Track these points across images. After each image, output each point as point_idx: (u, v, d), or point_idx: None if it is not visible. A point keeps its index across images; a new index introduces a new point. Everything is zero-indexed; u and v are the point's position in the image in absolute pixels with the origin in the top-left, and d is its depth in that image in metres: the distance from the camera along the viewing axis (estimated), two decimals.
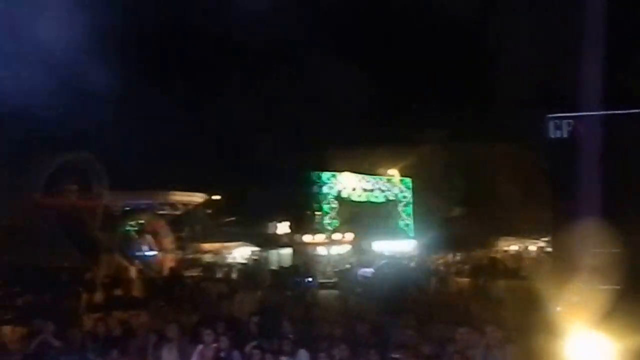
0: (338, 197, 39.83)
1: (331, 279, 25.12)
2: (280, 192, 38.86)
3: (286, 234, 38.99)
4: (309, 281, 20.77)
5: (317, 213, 39.17)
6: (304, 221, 38.52)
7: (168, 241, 32.41)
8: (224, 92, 36.58)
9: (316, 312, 14.36)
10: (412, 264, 29.87)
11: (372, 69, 37.80)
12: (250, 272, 27.17)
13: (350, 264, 26.93)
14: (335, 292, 21.83)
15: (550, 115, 8.39)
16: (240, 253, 37.17)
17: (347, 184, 40.48)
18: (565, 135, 8.31)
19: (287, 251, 35.82)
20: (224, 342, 10.02)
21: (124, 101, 33.19)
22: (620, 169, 8.83)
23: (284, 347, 10.02)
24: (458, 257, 35.58)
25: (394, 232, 42.12)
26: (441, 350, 10.45)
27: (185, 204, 37.23)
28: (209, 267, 30.11)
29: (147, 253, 32.62)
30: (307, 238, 35.83)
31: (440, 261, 34.65)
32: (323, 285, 24.27)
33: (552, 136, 8.37)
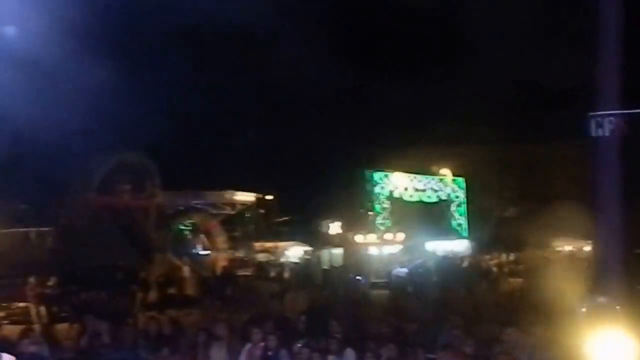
0: (390, 197, 39.63)
1: (382, 278, 25.00)
2: (333, 192, 38.91)
3: (338, 234, 38.99)
4: (359, 280, 20.68)
5: (369, 213, 39.06)
6: (355, 221, 38.44)
7: (221, 240, 32.74)
8: (278, 92, 36.89)
9: (365, 311, 14.34)
10: (464, 264, 29.44)
11: (425, 70, 37.64)
12: (302, 271, 27.25)
13: (400, 263, 26.73)
14: (385, 291, 21.74)
15: (592, 113, 8.08)
16: (293, 252, 37.33)
17: (399, 184, 40.24)
18: (607, 134, 7.99)
19: (338, 251, 35.79)
20: (272, 340, 10.09)
21: (180, 102, 33.85)
22: None
23: (331, 346, 10.02)
24: (512, 257, 34.95)
25: (447, 232, 41.69)
26: (487, 351, 10.32)
27: (238, 204, 37.55)
28: (262, 267, 30.30)
29: (200, 252, 33.05)
30: (359, 238, 35.75)
31: (494, 261, 34.08)
32: (374, 285, 24.19)
33: (594, 134, 8.06)
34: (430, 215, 40.79)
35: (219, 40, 31.24)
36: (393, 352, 10.09)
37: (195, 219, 33.71)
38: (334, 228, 39.59)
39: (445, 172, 43.09)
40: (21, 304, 21.81)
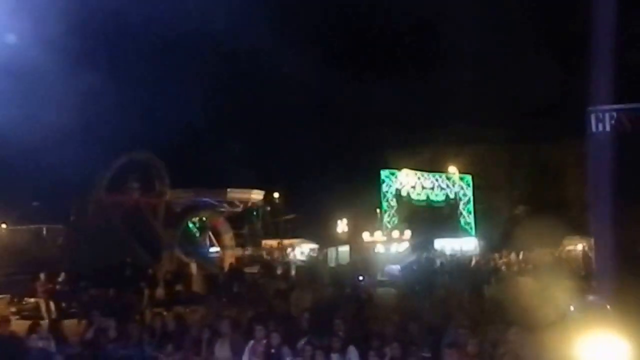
0: (397, 195, 39.57)
1: (397, 278, 24.97)
2: (340, 190, 38.94)
3: (345, 232, 39.04)
4: (361, 279, 20.72)
5: (376, 211, 39.03)
6: (363, 219, 38.45)
7: (228, 238, 32.82)
8: (288, 92, 36.98)
9: (370, 310, 14.34)
10: (472, 263, 29.35)
11: (435, 70, 37.63)
12: (309, 269, 27.29)
13: (416, 263, 26.72)
14: (392, 290, 21.72)
15: (592, 108, 8.03)
16: (300, 250, 37.39)
17: (406, 181, 40.15)
18: (608, 129, 7.95)
19: (345, 249, 35.82)
20: (275, 338, 10.13)
21: (189, 103, 34.01)
22: None
23: (334, 344, 10.05)
24: (521, 257, 34.78)
25: (455, 230, 41.58)
26: (493, 351, 10.30)
27: (246, 202, 37.67)
28: (268, 264, 30.35)
29: (207, 250, 33.19)
30: (365, 236, 35.73)
31: (502, 260, 33.93)
32: (381, 283, 24.16)
33: (594, 130, 8.03)
34: (438, 214, 40.75)
35: (232, 43, 31.38)
36: (397, 350, 10.08)
37: (203, 216, 33.83)
38: (341, 226, 39.64)
39: (453, 170, 42.96)
40: (32, 300, 22.04)
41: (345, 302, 14.73)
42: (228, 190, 36.02)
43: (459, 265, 26.39)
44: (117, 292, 20.46)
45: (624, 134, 8.08)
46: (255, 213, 39.23)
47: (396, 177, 39.69)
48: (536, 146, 42.89)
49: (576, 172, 35.58)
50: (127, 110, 25.02)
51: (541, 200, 40.68)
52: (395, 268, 25.35)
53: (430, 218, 38.82)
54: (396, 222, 38.40)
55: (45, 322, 14.53)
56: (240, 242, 35.16)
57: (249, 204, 37.88)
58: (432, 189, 41.80)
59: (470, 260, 29.88)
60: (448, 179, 42.82)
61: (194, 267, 27.61)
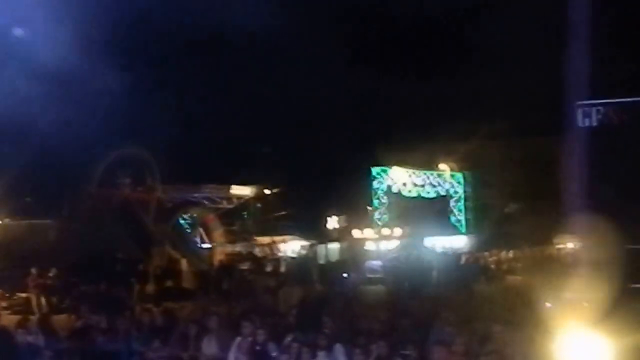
0: (388, 192, 39.64)
1: (378, 274, 25.08)
2: (332, 187, 38.96)
3: (336, 229, 39.07)
4: (345, 276, 20.82)
5: (367, 208, 39.10)
6: (353, 216, 38.52)
7: (219, 234, 32.89)
8: (276, 88, 36.98)
9: (357, 307, 14.40)
10: (462, 261, 29.52)
11: (425, 66, 37.68)
12: (299, 266, 27.35)
13: (397, 259, 26.83)
14: (381, 287, 21.82)
15: (579, 103, 8.05)
16: (291, 247, 37.44)
17: (397, 178, 40.22)
18: (595, 124, 7.98)
19: (335, 246, 35.91)
20: (261, 335, 10.18)
21: (179, 97, 33.98)
22: None
23: (319, 341, 10.11)
24: (511, 254, 34.96)
25: (446, 228, 41.71)
26: (479, 348, 10.37)
27: (236, 198, 37.70)
28: (259, 261, 30.43)
29: (198, 246, 33.24)
30: (356, 233, 35.83)
31: (492, 258, 34.10)
32: (370, 280, 24.25)
33: (581, 125, 8.06)
34: (429, 211, 40.80)
35: (225, 40, 31.34)
36: (383, 348, 10.12)
37: (194, 212, 33.86)
38: (332, 223, 39.68)
39: (444, 167, 43.03)
40: (23, 295, 22.07)
41: (333, 299, 14.79)
42: (219, 186, 36.04)
43: (448, 263, 26.51)
44: (107, 287, 20.54)
45: (611, 128, 8.13)
46: (246, 209, 39.25)
47: (387, 175, 39.75)
48: (528, 142, 42.90)
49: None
50: (118, 107, 25.00)
51: (534, 197, 40.71)
52: (377, 264, 25.45)
53: (421, 215, 38.90)
54: (387, 219, 38.48)
55: (35, 317, 14.59)
56: (231, 239, 35.18)
57: (240, 201, 37.92)
58: (423, 186, 41.90)
59: (460, 258, 30.05)
60: (439, 176, 42.92)
61: (184, 263, 27.67)
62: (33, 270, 22.30)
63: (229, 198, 36.99)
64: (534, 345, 10.20)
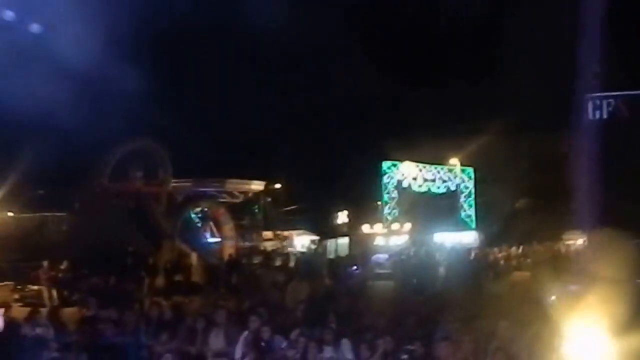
0: (398, 187, 39.51)
1: (387, 269, 25.08)
2: (341, 181, 38.94)
3: (345, 223, 39.06)
4: (354, 270, 20.84)
5: (377, 203, 39.02)
6: (363, 211, 38.46)
7: (229, 228, 32.93)
8: (286, 83, 37.00)
9: (364, 302, 14.44)
10: (471, 257, 29.43)
11: (436, 62, 37.57)
12: (308, 261, 27.39)
13: (406, 254, 26.79)
14: (389, 282, 21.81)
15: (590, 95, 8.01)
16: (300, 241, 37.48)
17: (408, 173, 40.06)
18: (605, 116, 7.94)
19: (345, 241, 35.88)
20: (266, 329, 10.26)
21: (190, 92, 34.08)
22: None
23: (326, 336, 10.17)
24: (520, 250, 34.82)
25: (456, 223, 41.58)
26: (485, 345, 10.38)
27: (246, 192, 37.78)
28: (268, 255, 30.49)
29: (208, 240, 33.34)
30: (365, 228, 35.78)
31: (502, 254, 33.99)
32: (378, 276, 24.26)
33: (591, 117, 8.02)
34: (439, 206, 40.62)
35: (238, 33, 31.42)
36: (389, 344, 10.17)
37: (204, 206, 33.94)
38: (342, 217, 39.65)
39: (455, 162, 42.85)
40: (35, 287, 22.25)
41: (340, 294, 14.84)
42: (229, 180, 36.11)
43: (457, 259, 26.46)
44: (117, 281, 20.69)
45: (622, 120, 8.11)
46: (256, 204, 39.31)
47: (398, 169, 39.60)
48: (538, 137, 42.65)
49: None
50: (132, 98, 25.11)
51: (543, 193, 40.50)
52: (383, 257, 25.45)
53: (431, 211, 38.79)
54: (397, 214, 38.38)
55: (45, 310, 14.71)
56: (241, 233, 35.24)
57: (250, 195, 38.00)
58: (434, 181, 41.72)
59: (469, 254, 29.97)
60: (450, 171, 42.75)
61: (194, 257, 27.75)
62: (44, 263, 22.49)
63: (239, 192, 37.08)
64: (540, 342, 10.22)
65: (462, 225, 41.87)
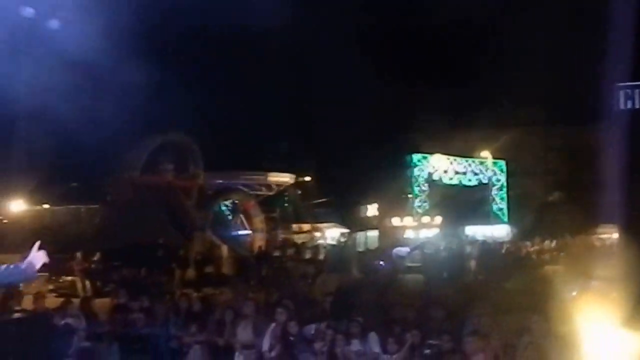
0: (429, 180, 39.26)
1: (417, 262, 24.94)
2: (372, 174, 38.80)
3: (375, 216, 38.94)
4: (382, 263, 20.72)
5: (407, 195, 38.83)
6: (393, 204, 38.29)
7: (259, 221, 33.10)
8: (318, 76, 36.98)
9: (393, 295, 14.37)
10: (502, 250, 29.13)
11: (467, 53, 37.20)
12: (337, 253, 27.38)
13: (430, 248, 26.59)
14: (419, 276, 21.67)
15: (621, 84, 7.78)
16: (330, 234, 37.48)
17: (438, 166, 39.79)
18: (637, 106, 7.70)
19: (374, 233, 35.79)
20: (293, 326, 10.25)
21: (223, 87, 34.27)
22: None
23: (353, 329, 10.14)
24: (553, 244, 34.35)
25: (487, 216, 41.22)
26: (516, 340, 10.25)
27: (277, 185, 37.89)
28: (298, 248, 30.57)
29: (238, 232, 33.54)
30: (396, 221, 35.64)
31: (534, 247, 33.57)
32: (409, 269, 24.12)
33: (623, 107, 7.80)
34: (470, 199, 40.31)
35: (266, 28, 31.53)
36: (417, 337, 10.10)
37: (235, 199, 34.14)
38: (372, 210, 39.54)
39: (486, 154, 42.42)
40: (69, 278, 22.64)
41: (366, 286, 14.78)
42: (259, 173, 36.27)
43: (488, 252, 26.19)
44: (148, 272, 20.95)
45: None
46: (286, 197, 39.42)
47: (428, 162, 39.34)
48: (572, 129, 42.00)
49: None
50: (163, 91, 25.38)
51: (576, 186, 39.91)
52: (404, 250, 25.26)
53: (462, 204, 38.48)
54: (427, 207, 38.15)
55: (78, 300, 14.93)
56: (271, 226, 35.40)
57: (281, 188, 38.11)
58: (465, 173, 41.37)
59: (501, 247, 29.66)
60: (481, 163, 42.34)
61: (224, 250, 27.94)
62: (78, 254, 22.87)
63: (269, 185, 37.22)
64: (571, 337, 10.06)
65: (494, 219, 41.48)
